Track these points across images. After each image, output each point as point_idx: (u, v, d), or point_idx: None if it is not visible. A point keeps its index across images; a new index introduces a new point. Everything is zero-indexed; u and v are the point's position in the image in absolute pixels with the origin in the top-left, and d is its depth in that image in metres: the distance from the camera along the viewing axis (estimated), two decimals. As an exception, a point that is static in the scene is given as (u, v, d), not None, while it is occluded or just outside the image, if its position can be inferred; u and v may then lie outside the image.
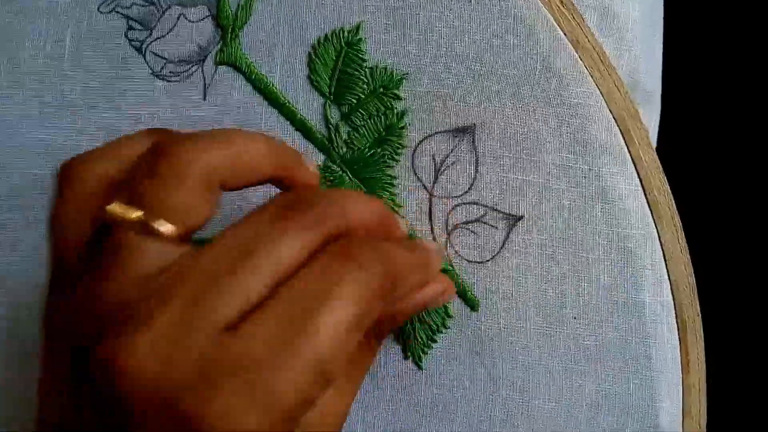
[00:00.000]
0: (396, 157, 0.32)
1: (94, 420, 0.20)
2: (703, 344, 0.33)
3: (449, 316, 0.32)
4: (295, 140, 0.32)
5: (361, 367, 0.26)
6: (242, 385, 0.19)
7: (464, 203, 0.32)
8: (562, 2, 0.32)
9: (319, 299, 0.20)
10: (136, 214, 0.21)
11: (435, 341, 0.32)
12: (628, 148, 0.32)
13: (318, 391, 0.20)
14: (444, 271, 0.32)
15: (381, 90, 0.32)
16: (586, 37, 0.33)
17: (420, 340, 0.32)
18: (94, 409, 0.20)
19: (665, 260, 0.32)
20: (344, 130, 0.32)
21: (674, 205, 0.33)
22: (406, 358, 0.32)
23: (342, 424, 0.25)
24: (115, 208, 0.21)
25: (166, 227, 0.21)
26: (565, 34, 0.32)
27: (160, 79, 0.32)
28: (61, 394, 0.21)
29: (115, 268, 0.20)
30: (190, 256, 0.21)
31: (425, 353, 0.32)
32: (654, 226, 0.32)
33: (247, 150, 0.23)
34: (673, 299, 0.32)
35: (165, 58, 0.32)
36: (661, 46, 0.35)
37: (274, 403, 0.19)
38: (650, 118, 0.34)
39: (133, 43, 0.32)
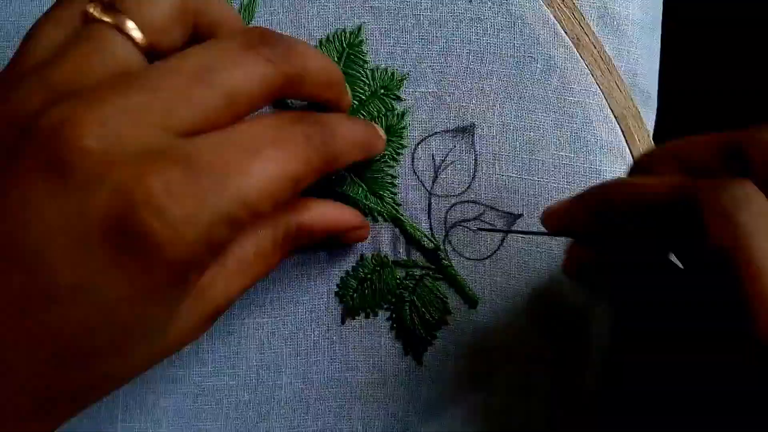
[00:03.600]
0: (396, 157, 0.32)
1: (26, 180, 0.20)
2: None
3: (449, 313, 0.32)
4: (297, 140, 0.32)
5: (263, 264, 0.27)
6: (181, 178, 0.20)
7: (463, 201, 0.32)
8: (562, 1, 0.32)
9: (264, 145, 0.21)
10: (111, 14, 0.22)
11: (435, 337, 0.32)
12: (629, 147, 0.32)
13: (234, 229, 0.21)
14: (443, 268, 0.33)
15: (382, 91, 0.32)
16: (587, 35, 0.32)
17: (420, 336, 0.32)
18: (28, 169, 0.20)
19: (666, 259, 0.32)
20: (345, 129, 0.32)
21: (676, 203, 0.33)
22: (406, 354, 0.32)
23: (218, 312, 0.25)
24: (94, 8, 0.22)
25: (137, 32, 0.22)
26: (565, 32, 0.32)
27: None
28: None
29: (82, 56, 0.21)
30: (154, 63, 0.22)
31: (425, 350, 0.32)
32: (655, 224, 0.32)
33: (227, 11, 0.25)
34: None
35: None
36: (659, 47, 0.35)
37: (212, 207, 0.20)
38: (647, 118, 0.33)
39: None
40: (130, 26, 0.22)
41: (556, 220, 0.26)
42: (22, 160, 0.20)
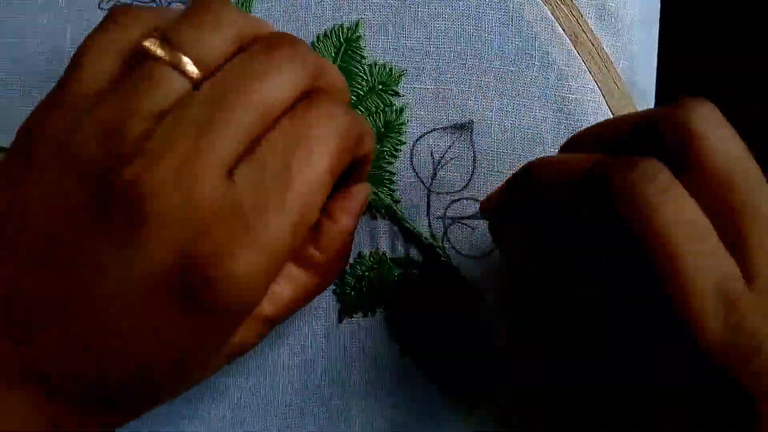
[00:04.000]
0: (395, 153, 0.31)
1: (100, 233, 0.21)
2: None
3: None
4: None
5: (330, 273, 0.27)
6: (240, 229, 0.21)
7: (461, 198, 0.32)
8: None
9: (297, 146, 0.22)
10: (168, 49, 0.22)
11: (434, 336, 0.32)
12: None
13: (301, 233, 0.22)
14: (441, 263, 0.33)
15: (380, 87, 0.31)
16: (585, 32, 0.32)
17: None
18: (102, 222, 0.21)
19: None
20: (343, 126, 0.32)
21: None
22: (404, 353, 0.32)
23: (272, 322, 0.26)
24: (150, 43, 0.22)
25: (192, 68, 0.22)
26: (563, 29, 0.32)
27: (160, 75, 0.32)
28: (43, 204, 0.21)
29: (138, 95, 0.21)
30: (194, 92, 0.22)
31: (424, 348, 0.32)
32: (653, 221, 0.32)
33: (272, 30, 0.24)
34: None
35: (165, 55, 0.32)
36: (656, 44, 0.35)
37: (265, 244, 0.21)
38: None
39: (133, 40, 0.32)
40: (186, 63, 0.22)
41: (487, 204, 0.27)
42: (93, 217, 0.21)
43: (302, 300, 0.25)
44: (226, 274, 0.21)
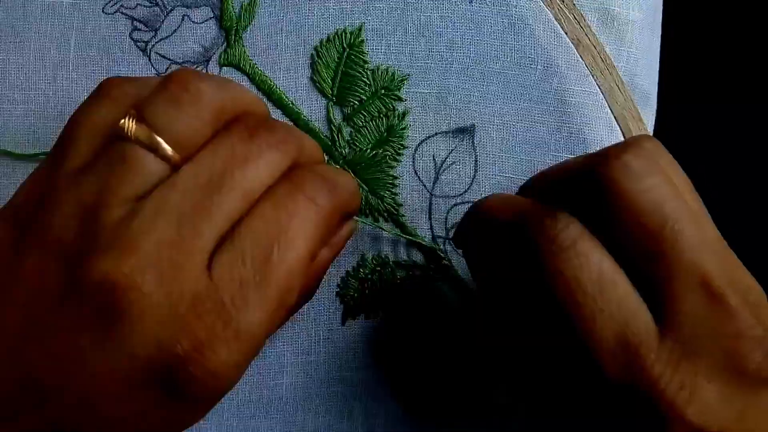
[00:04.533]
0: (397, 157, 0.31)
1: (72, 316, 0.21)
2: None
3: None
4: (298, 140, 0.32)
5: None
6: (220, 324, 0.21)
7: (463, 202, 0.32)
8: (562, 1, 0.32)
9: (276, 237, 0.22)
10: (144, 130, 0.22)
11: (436, 338, 0.32)
12: None
13: (280, 317, 0.23)
14: (442, 267, 0.33)
15: (383, 91, 0.31)
16: (587, 36, 0.32)
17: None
18: (77, 310, 0.21)
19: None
20: (347, 131, 0.31)
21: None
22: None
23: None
24: (126, 122, 0.22)
25: (170, 151, 0.22)
26: (565, 33, 0.32)
27: (164, 80, 0.32)
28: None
29: (114, 178, 0.21)
30: (174, 175, 0.22)
31: (426, 350, 0.32)
32: (654, 225, 0.32)
33: (252, 101, 0.25)
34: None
35: (170, 59, 0.31)
36: (659, 47, 0.35)
37: (245, 336, 0.22)
38: (646, 119, 0.33)
39: (137, 43, 0.31)
40: (164, 147, 0.22)
41: (455, 236, 0.28)
42: (70, 307, 0.21)
43: (272, 330, 0.25)
44: (208, 369, 0.21)
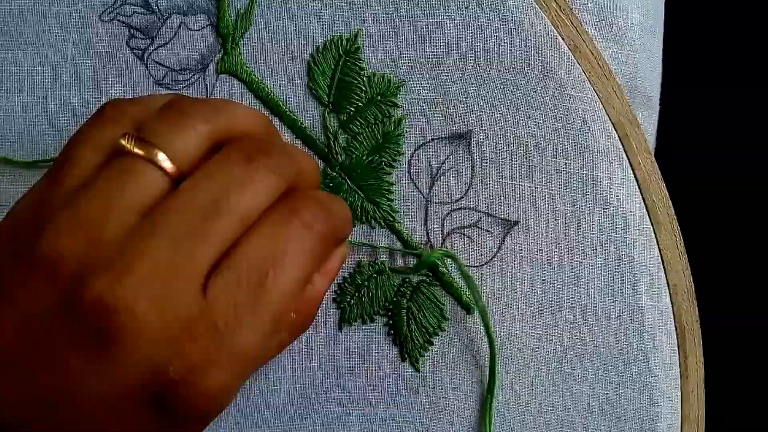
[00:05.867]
0: (393, 164, 0.31)
1: (67, 334, 0.21)
2: (701, 349, 0.32)
3: (445, 319, 0.32)
4: (295, 147, 0.32)
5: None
6: (214, 347, 0.21)
7: (460, 208, 0.31)
8: (560, 7, 0.31)
9: (271, 261, 0.22)
10: (143, 145, 0.22)
11: (432, 344, 0.31)
12: (626, 154, 0.31)
13: (274, 343, 0.23)
14: (439, 275, 0.32)
15: (379, 98, 0.31)
16: (585, 42, 0.32)
17: (417, 342, 0.31)
18: (71, 329, 0.21)
19: (664, 265, 0.31)
20: (343, 137, 0.31)
21: (673, 210, 0.32)
22: (403, 360, 0.31)
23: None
24: (126, 139, 0.22)
25: (168, 163, 0.22)
26: (563, 39, 0.31)
27: (162, 87, 0.31)
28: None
29: (115, 190, 0.22)
30: (171, 196, 0.22)
31: (422, 355, 0.31)
32: (652, 231, 0.31)
33: (254, 121, 0.25)
34: (672, 304, 0.31)
35: (167, 67, 0.31)
36: (661, 50, 0.34)
37: (238, 359, 0.22)
38: (648, 122, 0.33)
39: (135, 51, 0.31)
40: (161, 158, 0.22)
41: None
42: (66, 327, 0.21)
43: (266, 355, 0.25)
44: (201, 392, 0.21)
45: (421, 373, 0.32)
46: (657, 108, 0.35)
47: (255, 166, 0.23)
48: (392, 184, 0.32)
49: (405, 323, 0.32)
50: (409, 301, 0.32)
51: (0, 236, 0.23)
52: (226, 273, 0.22)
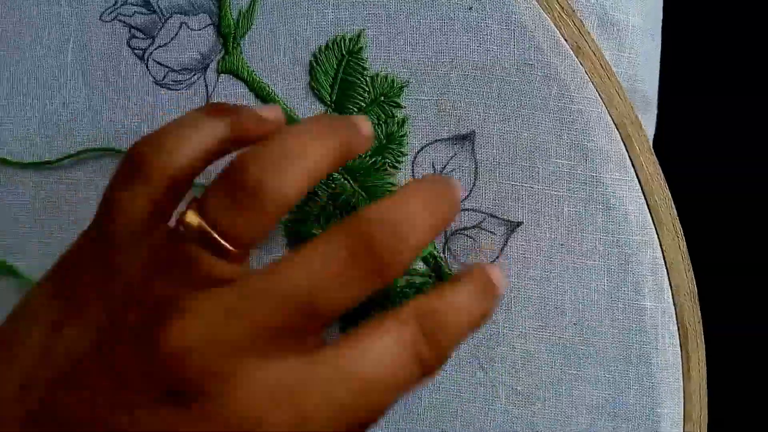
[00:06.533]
0: (397, 164, 0.31)
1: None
2: (704, 350, 0.32)
3: None
4: (296, 147, 0.32)
5: None
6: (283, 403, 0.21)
7: (463, 209, 0.31)
8: (563, 8, 0.31)
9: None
10: (211, 233, 0.22)
11: (435, 346, 0.32)
12: (629, 155, 0.31)
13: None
14: (443, 275, 0.33)
15: (382, 98, 0.31)
16: (587, 43, 0.32)
17: None
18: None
19: (666, 266, 0.31)
20: (345, 137, 0.32)
21: (675, 210, 0.32)
22: None
23: None
24: (192, 219, 0.22)
25: (233, 252, 0.22)
26: (565, 40, 0.31)
27: (162, 87, 0.31)
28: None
29: (176, 279, 0.22)
30: (243, 286, 0.21)
31: (426, 358, 0.32)
32: (655, 231, 0.31)
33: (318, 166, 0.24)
34: (674, 305, 0.31)
35: (167, 67, 0.31)
36: (659, 52, 0.35)
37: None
38: (647, 124, 0.33)
39: (135, 51, 0.31)
40: (226, 247, 0.22)
41: None
42: (137, 386, 0.21)
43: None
44: None
45: (423, 375, 0.32)
46: (655, 111, 0.35)
47: (357, 266, 0.22)
48: (395, 185, 0.32)
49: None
50: (411, 302, 0.32)
51: (54, 287, 0.23)
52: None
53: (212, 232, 0.22)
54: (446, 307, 0.23)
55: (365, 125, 0.26)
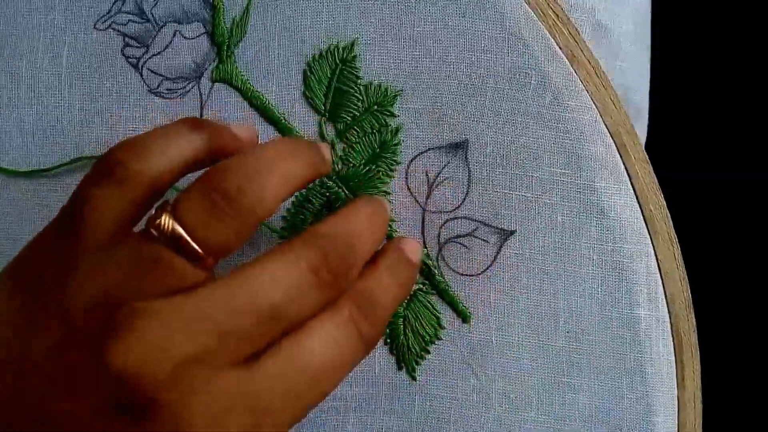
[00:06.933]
0: (390, 173, 0.31)
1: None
2: (698, 359, 0.32)
3: (442, 327, 0.31)
4: (290, 155, 0.32)
5: None
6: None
7: (456, 218, 0.31)
8: (557, 16, 0.31)
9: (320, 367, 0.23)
10: (187, 240, 0.22)
11: (428, 352, 0.31)
12: (623, 163, 0.31)
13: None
14: (436, 283, 0.32)
15: (375, 107, 0.31)
16: (582, 51, 0.31)
17: (413, 351, 0.31)
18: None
19: (661, 275, 0.31)
20: (340, 146, 0.31)
21: (670, 219, 0.31)
22: (399, 368, 0.31)
23: None
24: (167, 222, 0.22)
25: (207, 258, 0.22)
26: (560, 48, 0.31)
27: (156, 96, 0.31)
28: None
29: (145, 279, 0.22)
30: (206, 292, 0.22)
31: (418, 364, 0.31)
32: (650, 240, 0.31)
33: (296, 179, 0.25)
34: (669, 314, 0.31)
35: (161, 75, 0.31)
36: (649, 60, 0.34)
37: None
38: (639, 132, 0.33)
39: (129, 59, 0.31)
40: (199, 252, 0.22)
41: None
42: (87, 398, 0.21)
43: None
44: None
45: (417, 382, 0.32)
46: (646, 119, 0.35)
47: (327, 292, 0.23)
48: (389, 194, 0.32)
49: (401, 332, 0.32)
50: (405, 309, 0.32)
51: (13, 284, 0.23)
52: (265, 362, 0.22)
53: (187, 236, 0.22)
54: (374, 286, 0.25)
55: (326, 150, 0.27)
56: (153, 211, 0.23)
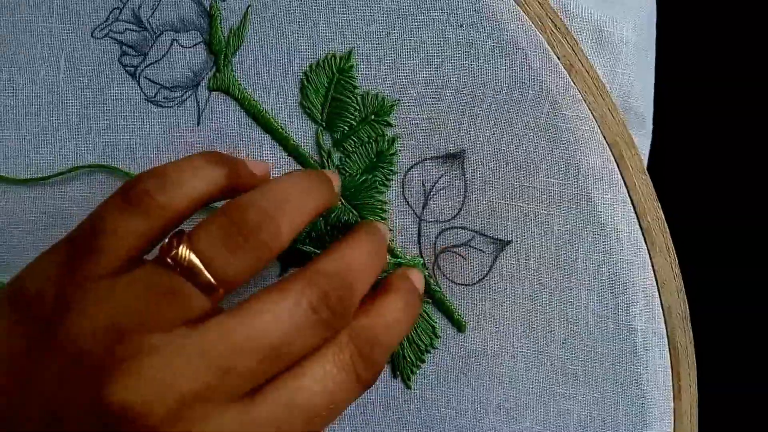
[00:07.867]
0: (387, 182, 0.31)
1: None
2: (695, 371, 0.31)
3: (437, 336, 0.31)
4: (288, 165, 0.31)
5: None
6: None
7: (452, 227, 0.31)
8: (555, 25, 0.31)
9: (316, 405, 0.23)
10: (202, 271, 0.22)
11: (423, 361, 0.31)
12: (621, 174, 0.31)
13: None
14: (432, 292, 0.32)
15: (372, 117, 0.31)
16: (580, 61, 0.31)
17: (409, 359, 0.31)
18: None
19: (658, 286, 0.31)
20: (336, 156, 0.31)
21: (667, 230, 0.31)
22: (395, 377, 0.31)
23: None
24: (185, 253, 0.22)
25: (219, 289, 0.23)
26: (558, 58, 0.31)
27: (154, 104, 0.31)
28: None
29: (157, 308, 0.22)
30: (207, 329, 0.22)
31: (414, 373, 0.31)
32: (647, 251, 0.31)
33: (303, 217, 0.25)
34: (666, 326, 0.31)
35: (159, 84, 0.31)
36: (653, 69, 0.34)
37: None
38: (642, 142, 0.32)
39: (127, 68, 0.31)
40: (217, 288, 0.23)
41: None
42: (87, 429, 0.21)
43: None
44: None
45: (412, 391, 0.32)
46: (650, 128, 0.35)
47: (325, 327, 0.24)
48: (386, 203, 0.32)
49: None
50: (401, 319, 0.32)
51: (12, 306, 0.23)
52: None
53: (203, 267, 0.22)
54: (378, 323, 0.25)
55: (336, 180, 0.28)
56: (166, 240, 0.23)
